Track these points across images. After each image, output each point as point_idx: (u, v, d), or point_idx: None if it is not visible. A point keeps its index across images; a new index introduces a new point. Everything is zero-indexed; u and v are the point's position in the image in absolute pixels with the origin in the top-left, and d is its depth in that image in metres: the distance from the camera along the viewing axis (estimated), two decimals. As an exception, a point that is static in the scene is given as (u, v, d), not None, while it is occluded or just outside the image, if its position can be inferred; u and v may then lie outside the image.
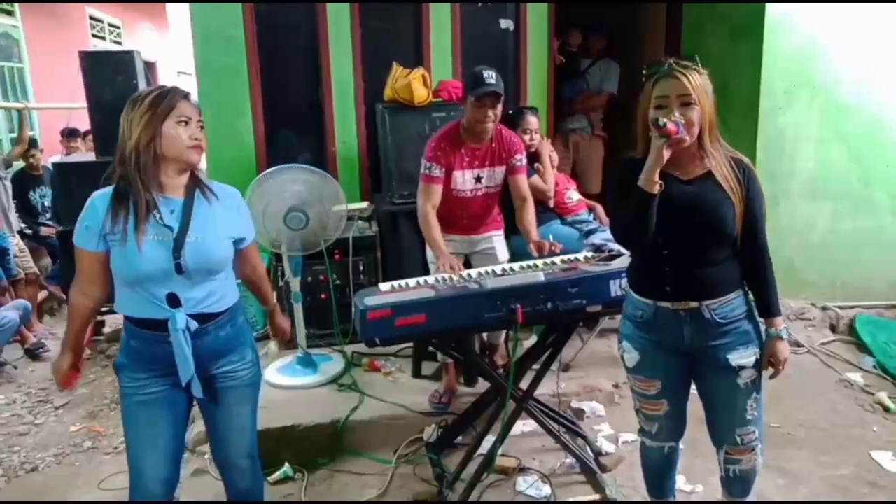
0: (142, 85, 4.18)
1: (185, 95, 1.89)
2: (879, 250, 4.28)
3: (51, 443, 3.43)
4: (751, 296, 2.02)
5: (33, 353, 4.58)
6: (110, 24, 10.03)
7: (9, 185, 5.54)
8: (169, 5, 11.58)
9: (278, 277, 3.73)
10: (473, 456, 2.71)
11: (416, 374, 3.53)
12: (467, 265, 3.11)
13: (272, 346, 3.76)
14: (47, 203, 5.84)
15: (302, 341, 3.54)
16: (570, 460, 2.87)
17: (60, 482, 3.09)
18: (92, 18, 9.40)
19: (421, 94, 3.93)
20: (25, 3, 7.52)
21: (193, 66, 4.16)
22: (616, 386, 3.44)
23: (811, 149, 4.15)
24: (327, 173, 3.42)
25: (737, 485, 2.14)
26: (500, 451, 2.67)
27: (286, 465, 2.91)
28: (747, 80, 4.11)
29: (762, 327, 2.02)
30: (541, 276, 2.45)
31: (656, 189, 1.85)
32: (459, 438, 3.01)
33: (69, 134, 6.09)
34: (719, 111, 1.93)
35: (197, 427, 2.95)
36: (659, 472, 2.28)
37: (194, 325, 1.89)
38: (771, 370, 2.03)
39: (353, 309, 2.44)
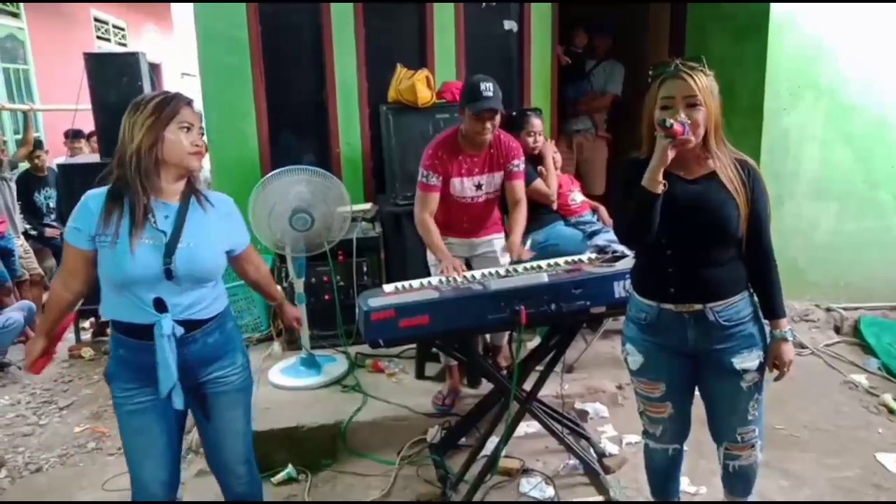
0: (146, 86, 4.19)
1: (189, 102, 1.89)
2: (884, 251, 4.26)
3: (55, 443, 3.43)
4: (755, 297, 2.02)
5: (38, 354, 4.58)
6: (115, 26, 10.06)
7: (14, 186, 5.55)
8: (173, 6, 11.61)
9: (282, 278, 3.73)
10: (477, 457, 2.71)
11: (420, 375, 3.53)
12: (468, 268, 3.10)
13: (276, 346, 3.77)
14: (52, 204, 5.86)
15: (305, 342, 3.54)
16: (573, 462, 2.87)
17: (65, 483, 3.09)
18: (97, 20, 9.44)
19: (424, 96, 3.94)
20: (31, 3, 7.54)
21: (197, 67, 4.18)
22: (620, 387, 3.43)
23: (816, 149, 4.14)
24: (331, 174, 3.42)
25: (737, 482, 2.14)
26: (503, 453, 2.67)
27: (289, 466, 2.92)
28: (752, 81, 4.10)
29: (767, 329, 2.02)
30: (544, 278, 2.45)
31: (660, 189, 1.85)
32: (463, 440, 3.01)
33: (73, 135, 6.11)
34: (724, 112, 1.92)
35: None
36: (663, 474, 2.28)
37: (180, 330, 1.87)
38: (776, 372, 2.02)
39: (356, 310, 2.44)
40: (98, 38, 9.44)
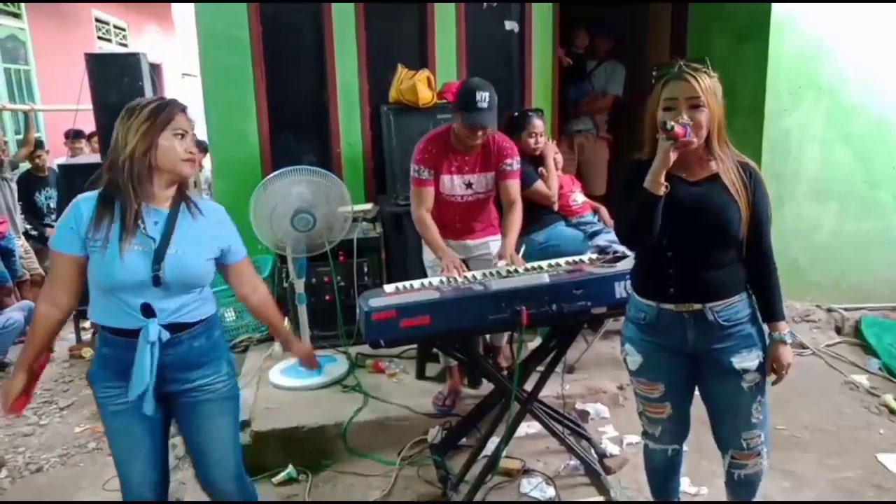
0: (147, 87, 4.19)
1: (183, 108, 1.89)
2: (885, 251, 4.26)
3: (55, 443, 3.43)
4: (754, 300, 2.02)
5: (38, 354, 4.58)
6: (116, 27, 10.07)
7: (14, 186, 5.56)
8: (174, 7, 11.61)
9: (283, 279, 3.73)
10: (477, 458, 2.71)
11: (421, 375, 3.53)
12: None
13: (276, 347, 3.77)
14: (53, 204, 5.86)
15: (306, 342, 3.54)
16: (574, 462, 2.87)
17: (65, 483, 3.09)
18: (98, 20, 9.44)
19: (425, 96, 3.94)
20: (32, 3, 7.55)
21: (198, 67, 4.18)
22: (620, 388, 3.43)
23: (816, 150, 4.14)
24: (332, 175, 3.42)
25: (742, 489, 2.13)
26: (504, 453, 2.66)
27: (290, 466, 2.91)
28: (753, 81, 4.10)
29: (766, 330, 2.02)
30: (545, 278, 2.45)
31: (662, 191, 1.85)
32: (463, 440, 3.01)
33: (74, 136, 6.11)
34: (725, 112, 1.92)
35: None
36: (663, 474, 2.27)
37: (166, 335, 1.86)
38: (774, 376, 2.02)
39: (357, 310, 2.43)
40: (99, 38, 9.45)
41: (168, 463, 2.07)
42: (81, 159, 5.37)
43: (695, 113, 1.84)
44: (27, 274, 5.12)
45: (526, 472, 2.87)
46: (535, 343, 3.30)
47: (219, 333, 2.03)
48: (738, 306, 1.96)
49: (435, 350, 3.33)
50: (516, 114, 3.79)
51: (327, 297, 3.80)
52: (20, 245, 5.19)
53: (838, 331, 4.20)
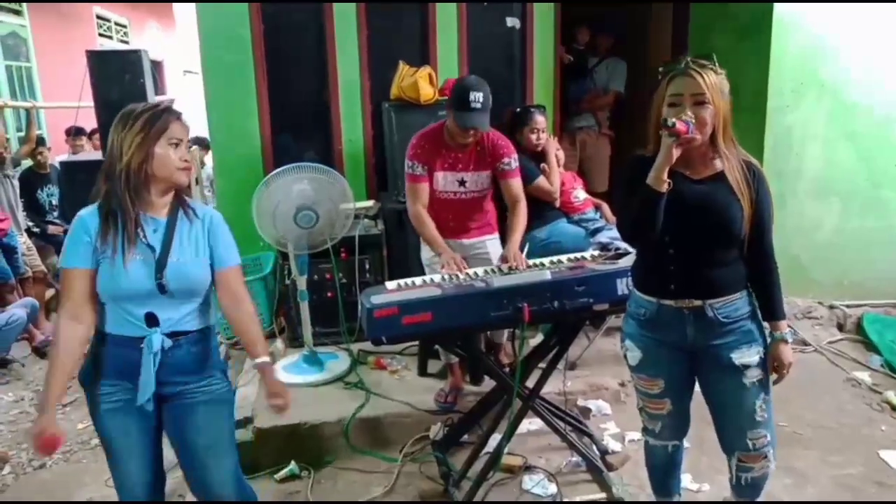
0: (149, 84, 4.18)
1: (178, 116, 1.89)
2: (887, 249, 4.25)
3: (58, 440, 3.44)
4: (754, 297, 2.01)
5: (41, 351, 4.59)
6: (117, 24, 10.05)
7: (16, 183, 5.56)
8: (176, 4, 11.58)
9: (284, 276, 3.73)
10: (479, 454, 2.72)
11: (422, 372, 3.53)
12: None
13: (278, 344, 3.77)
14: (55, 202, 5.87)
15: (308, 339, 3.54)
16: (576, 459, 2.87)
17: (68, 479, 3.10)
18: (99, 17, 9.43)
19: (427, 93, 3.93)
20: (33, 2, 7.55)
21: (200, 64, 4.18)
22: (622, 384, 3.43)
23: (818, 147, 4.13)
24: (334, 171, 3.42)
25: (747, 491, 2.13)
26: (506, 450, 2.66)
27: (292, 462, 2.92)
28: (755, 79, 4.09)
29: (766, 328, 2.02)
30: (547, 275, 2.45)
31: (664, 187, 1.85)
32: (465, 437, 3.01)
33: (75, 133, 6.11)
34: (731, 110, 1.91)
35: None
36: (663, 470, 2.28)
37: (168, 343, 1.87)
38: (775, 375, 2.02)
39: (359, 307, 2.44)
40: (100, 35, 9.44)
41: (163, 463, 2.05)
42: (83, 156, 5.38)
43: (699, 109, 1.83)
44: (29, 271, 5.12)
45: (528, 468, 2.88)
46: (536, 340, 3.31)
47: (216, 345, 2.05)
48: (738, 303, 1.97)
49: (436, 347, 3.33)
50: (518, 110, 3.79)
51: (329, 294, 3.80)
52: (22, 242, 5.19)
53: (840, 328, 4.20)
